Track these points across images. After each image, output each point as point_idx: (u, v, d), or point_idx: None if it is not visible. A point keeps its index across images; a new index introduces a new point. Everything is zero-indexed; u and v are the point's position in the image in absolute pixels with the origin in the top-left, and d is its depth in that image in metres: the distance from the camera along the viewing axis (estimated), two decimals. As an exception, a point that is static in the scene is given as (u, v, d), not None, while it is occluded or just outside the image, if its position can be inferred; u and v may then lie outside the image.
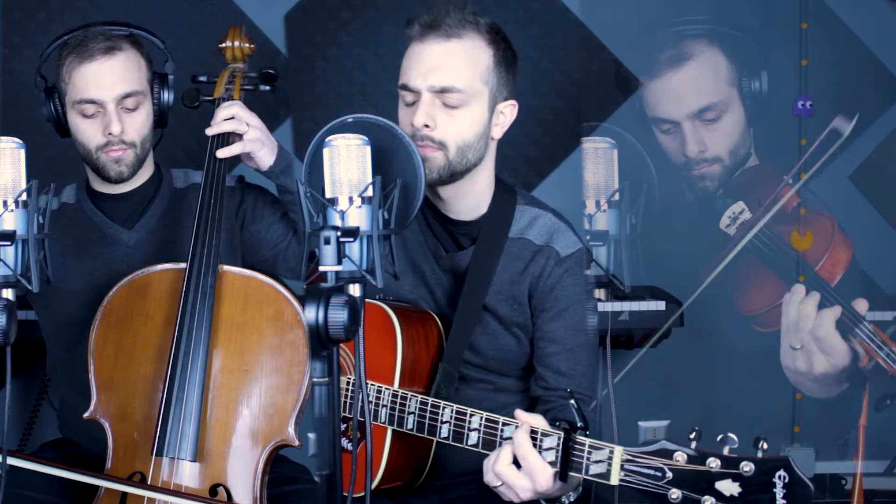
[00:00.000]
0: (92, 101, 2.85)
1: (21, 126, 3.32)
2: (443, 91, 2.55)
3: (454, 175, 2.57)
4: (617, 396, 2.62)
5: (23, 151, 2.40)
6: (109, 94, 2.85)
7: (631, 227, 2.40)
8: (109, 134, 2.85)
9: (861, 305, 2.65)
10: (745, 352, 3.17)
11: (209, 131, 2.86)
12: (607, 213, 2.35)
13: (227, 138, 2.86)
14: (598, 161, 2.37)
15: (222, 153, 2.83)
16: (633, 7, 4.02)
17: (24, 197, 2.37)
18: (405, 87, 2.58)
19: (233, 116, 2.84)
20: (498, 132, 2.63)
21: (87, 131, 2.88)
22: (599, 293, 2.61)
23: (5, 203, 2.36)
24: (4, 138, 2.38)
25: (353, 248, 2.16)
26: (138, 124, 2.89)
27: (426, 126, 2.54)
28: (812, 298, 2.64)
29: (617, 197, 2.36)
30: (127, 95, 2.86)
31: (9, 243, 2.34)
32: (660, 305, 3.41)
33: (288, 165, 2.88)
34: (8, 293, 2.34)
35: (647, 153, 3.17)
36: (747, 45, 3.04)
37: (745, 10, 3.96)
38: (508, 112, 2.63)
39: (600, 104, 3.88)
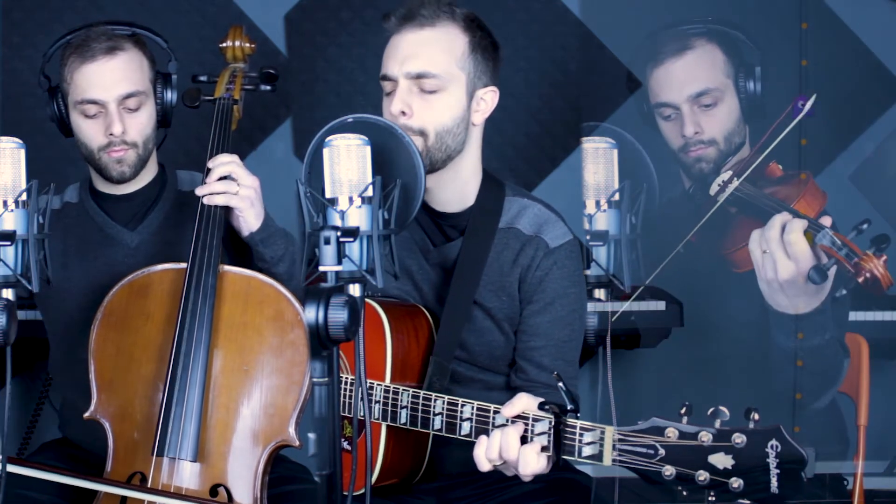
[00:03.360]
0: (93, 102, 2.85)
1: (21, 126, 3.32)
2: (419, 77, 2.57)
3: (433, 163, 2.57)
4: (617, 396, 2.62)
5: (23, 151, 2.40)
6: (111, 94, 2.85)
7: (631, 227, 2.40)
8: (111, 134, 2.85)
9: (825, 220, 2.78)
10: (745, 352, 3.18)
11: (199, 191, 2.78)
12: (607, 213, 2.35)
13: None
14: (598, 161, 2.36)
15: (209, 200, 2.76)
16: (634, 7, 4.02)
17: (24, 197, 2.37)
18: (384, 78, 2.61)
19: (227, 175, 2.78)
20: (478, 118, 2.64)
21: (89, 132, 2.88)
22: (599, 293, 2.61)
23: (5, 203, 2.36)
24: (4, 138, 2.39)
25: (353, 248, 2.16)
26: (140, 124, 2.89)
27: (403, 113, 2.55)
28: (782, 215, 2.77)
29: (617, 197, 2.35)
30: (129, 95, 2.86)
31: (9, 243, 2.34)
32: (660, 305, 3.42)
33: (269, 235, 2.82)
34: (8, 293, 2.34)
35: (647, 153, 3.19)
36: (745, 46, 3.17)
37: (745, 10, 3.96)
38: (489, 98, 2.64)
39: (600, 104, 3.89)
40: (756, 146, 3.04)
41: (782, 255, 2.76)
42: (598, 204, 2.36)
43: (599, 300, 2.75)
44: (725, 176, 3.01)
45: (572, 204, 2.78)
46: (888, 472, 3.92)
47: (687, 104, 3.13)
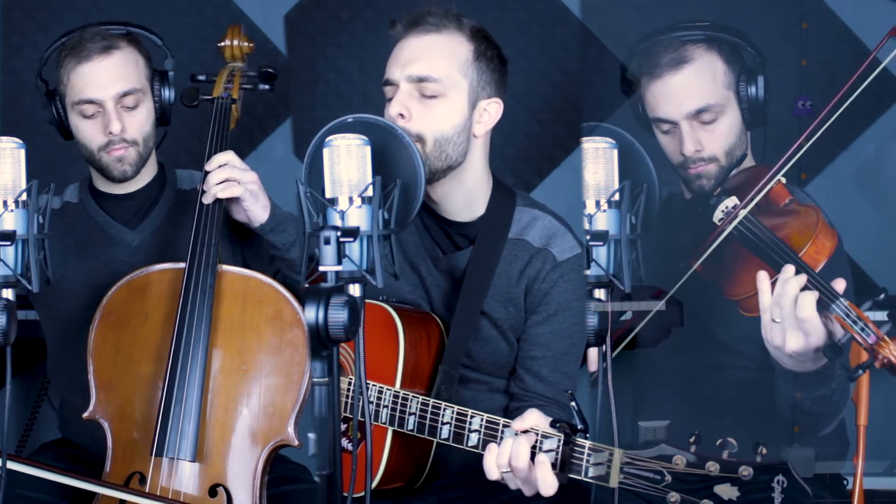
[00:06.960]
0: (91, 101, 2.86)
1: (21, 126, 3.32)
2: (420, 80, 2.57)
3: (433, 172, 2.56)
4: (616, 396, 2.62)
5: (23, 151, 2.39)
6: (108, 92, 2.85)
7: (631, 227, 2.39)
8: (110, 133, 2.85)
9: (839, 284, 2.65)
10: (745, 351, 3.17)
11: (206, 199, 2.77)
12: (607, 213, 2.34)
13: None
14: (598, 161, 2.35)
15: (211, 195, 2.76)
16: (634, 7, 4.02)
17: (24, 197, 2.37)
18: (387, 83, 2.61)
19: (226, 179, 2.77)
20: (480, 130, 2.62)
21: (88, 132, 2.88)
22: (600, 293, 2.61)
23: (5, 203, 2.36)
24: (4, 138, 2.38)
25: (353, 248, 2.16)
26: (139, 122, 2.89)
27: (401, 116, 2.54)
28: (797, 279, 2.64)
29: (617, 197, 2.34)
30: (126, 94, 2.86)
31: (9, 243, 2.34)
32: (660, 305, 3.41)
33: (279, 224, 2.83)
34: (8, 293, 2.34)
35: (647, 153, 3.17)
36: (746, 53, 3.04)
37: (746, 11, 3.96)
38: (493, 110, 2.63)
39: (600, 104, 3.89)
40: (767, 177, 2.86)
41: (793, 329, 2.63)
42: (598, 204, 2.35)
43: (599, 300, 2.75)
44: (730, 202, 2.87)
45: (572, 204, 2.78)
46: (888, 472, 3.91)
47: (686, 121, 2.96)
